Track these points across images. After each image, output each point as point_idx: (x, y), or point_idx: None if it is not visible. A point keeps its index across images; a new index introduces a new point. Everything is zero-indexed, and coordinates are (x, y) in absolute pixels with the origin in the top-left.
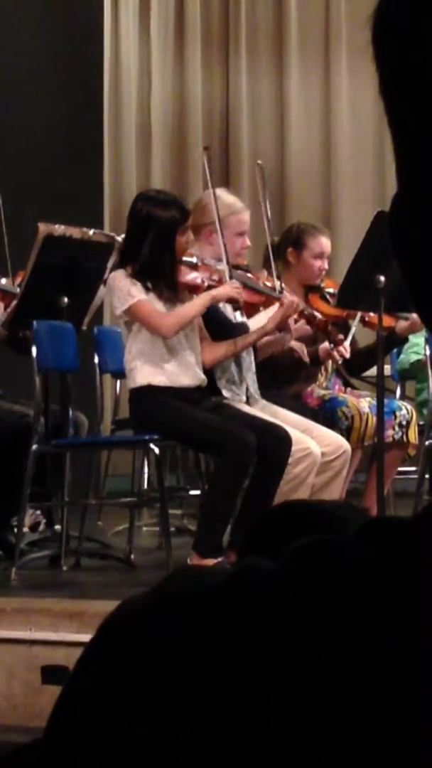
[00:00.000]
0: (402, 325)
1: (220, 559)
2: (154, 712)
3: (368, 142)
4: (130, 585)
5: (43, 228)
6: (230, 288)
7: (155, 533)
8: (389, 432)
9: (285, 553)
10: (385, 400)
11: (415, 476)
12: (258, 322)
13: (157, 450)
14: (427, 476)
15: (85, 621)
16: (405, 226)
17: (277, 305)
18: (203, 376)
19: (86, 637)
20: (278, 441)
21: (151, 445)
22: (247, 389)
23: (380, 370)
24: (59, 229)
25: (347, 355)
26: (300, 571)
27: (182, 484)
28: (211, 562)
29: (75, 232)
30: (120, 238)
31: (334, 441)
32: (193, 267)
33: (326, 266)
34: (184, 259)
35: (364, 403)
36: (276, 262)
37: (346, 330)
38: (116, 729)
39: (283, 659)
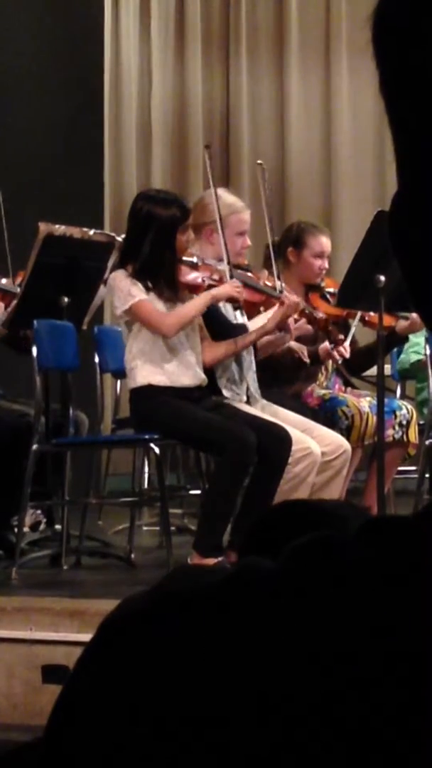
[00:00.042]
0: (402, 324)
1: (220, 559)
2: (154, 711)
3: (368, 142)
4: (131, 584)
5: (43, 228)
6: (231, 287)
7: (156, 532)
8: (389, 431)
9: (285, 552)
10: (386, 400)
11: (416, 475)
12: (258, 323)
13: (157, 449)
14: (427, 475)
15: (86, 620)
16: (405, 226)
17: (277, 305)
18: (203, 376)
19: (86, 637)
20: (278, 440)
21: (152, 445)
22: (248, 389)
23: (380, 369)
24: (59, 228)
25: (347, 355)
26: (300, 570)
27: (183, 483)
28: (211, 561)
29: (75, 231)
30: (120, 238)
31: (335, 440)
32: (194, 266)
33: (326, 265)
34: (185, 258)
35: (364, 402)
36: (276, 262)
37: (346, 329)
38: (116, 728)
39: (283, 659)
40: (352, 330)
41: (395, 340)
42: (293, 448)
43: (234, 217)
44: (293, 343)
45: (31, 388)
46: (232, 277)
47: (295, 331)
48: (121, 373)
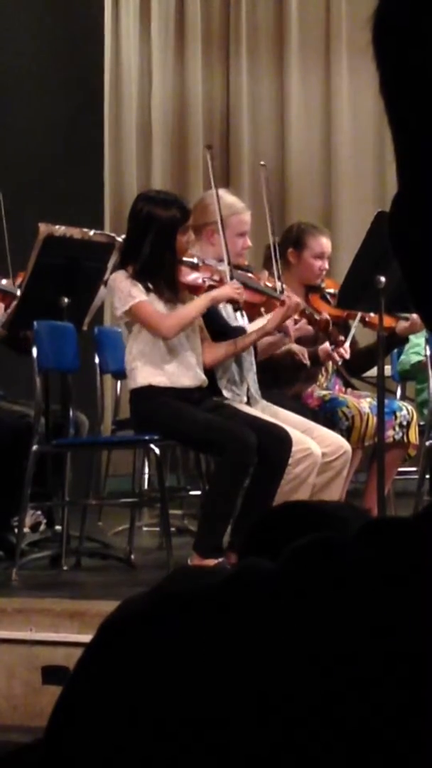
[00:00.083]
0: (402, 325)
1: (220, 560)
2: (154, 712)
3: (368, 142)
4: (131, 585)
5: (43, 228)
6: (231, 289)
7: (156, 533)
8: (390, 432)
9: (285, 553)
10: (386, 401)
11: (416, 476)
12: (258, 325)
13: (157, 450)
14: (427, 476)
15: (86, 621)
16: (405, 227)
17: (277, 306)
18: (204, 377)
19: (86, 638)
20: (279, 441)
21: (152, 446)
22: (248, 390)
23: (380, 370)
24: (60, 229)
25: (347, 356)
26: (300, 571)
27: (183, 484)
28: (211, 562)
29: (75, 232)
30: (120, 239)
31: (335, 441)
32: (194, 267)
33: (327, 266)
34: (185, 259)
35: (364, 403)
36: (277, 262)
37: (346, 330)
38: (116, 729)
39: (283, 659)
40: (352, 331)
41: (395, 341)
42: (293, 449)
43: (234, 217)
44: (294, 346)
45: (32, 389)
46: (232, 277)
47: (296, 332)
48: (121, 374)
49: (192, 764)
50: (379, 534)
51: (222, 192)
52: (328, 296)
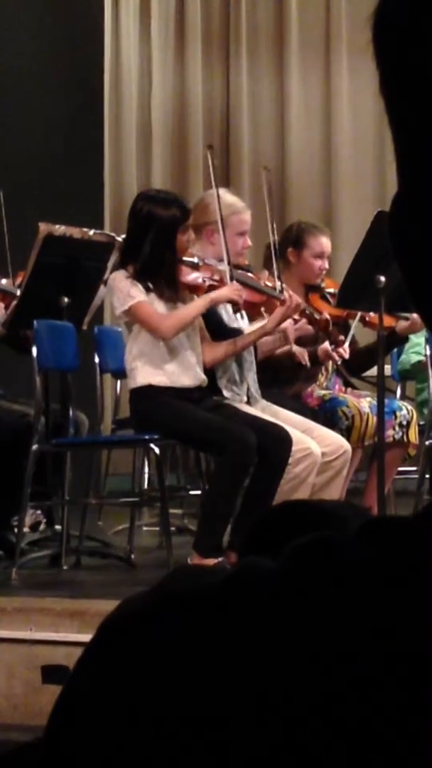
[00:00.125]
0: (402, 325)
1: (220, 559)
2: (154, 711)
3: (368, 142)
4: (131, 584)
5: (43, 228)
6: (230, 290)
7: (156, 533)
8: (390, 432)
9: (285, 552)
10: (386, 400)
11: (416, 476)
12: (258, 326)
13: (157, 449)
14: (427, 476)
15: (86, 620)
16: (405, 226)
17: (277, 306)
18: (204, 376)
19: (86, 637)
20: (279, 441)
21: (152, 445)
22: (248, 389)
23: (380, 370)
24: (59, 229)
25: (347, 356)
26: (300, 570)
27: (183, 483)
28: (211, 561)
29: (75, 232)
30: (120, 238)
31: (335, 441)
32: (194, 267)
33: (326, 266)
34: (185, 258)
35: (364, 403)
36: (277, 262)
37: (346, 330)
38: (116, 729)
39: (283, 659)
40: (352, 330)
41: (395, 341)
42: (293, 448)
43: (235, 217)
44: (294, 347)
45: (31, 389)
46: (232, 277)
47: (296, 331)
48: (121, 374)
49: (192, 764)
50: (380, 533)
51: (222, 191)
52: (328, 296)
